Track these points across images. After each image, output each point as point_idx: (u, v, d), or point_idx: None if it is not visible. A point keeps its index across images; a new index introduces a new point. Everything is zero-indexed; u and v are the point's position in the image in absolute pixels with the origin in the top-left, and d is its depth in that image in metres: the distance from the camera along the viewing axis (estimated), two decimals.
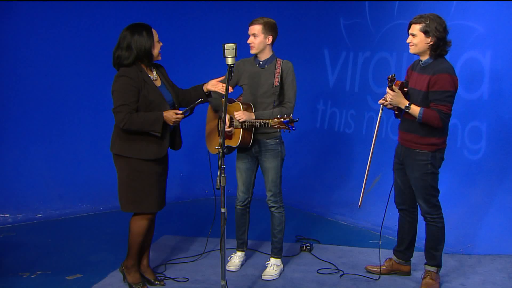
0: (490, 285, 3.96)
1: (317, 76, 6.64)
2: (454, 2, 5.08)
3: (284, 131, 3.79)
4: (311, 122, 6.68)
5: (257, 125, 3.88)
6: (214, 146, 4.13)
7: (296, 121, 3.73)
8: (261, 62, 4.05)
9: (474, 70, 4.96)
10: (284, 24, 7.00)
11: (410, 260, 4.13)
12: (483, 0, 4.86)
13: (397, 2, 5.66)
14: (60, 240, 4.94)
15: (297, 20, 6.71)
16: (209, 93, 3.92)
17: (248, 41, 3.99)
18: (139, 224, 3.75)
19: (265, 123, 3.83)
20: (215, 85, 3.83)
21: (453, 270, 4.20)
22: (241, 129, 3.94)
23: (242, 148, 4.08)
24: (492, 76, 4.85)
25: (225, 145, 4.01)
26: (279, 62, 4.03)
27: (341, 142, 6.35)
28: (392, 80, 3.67)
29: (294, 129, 3.72)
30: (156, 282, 3.93)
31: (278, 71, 4.00)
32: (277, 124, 3.72)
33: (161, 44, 3.73)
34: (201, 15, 6.74)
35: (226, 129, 3.94)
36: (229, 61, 3.44)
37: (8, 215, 5.52)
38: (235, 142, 3.99)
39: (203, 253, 4.50)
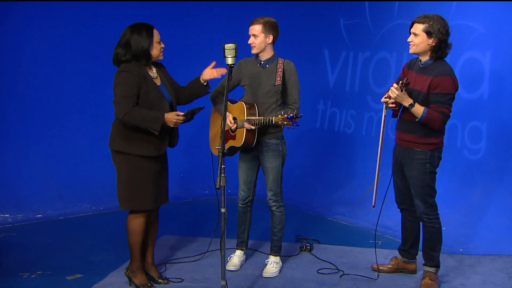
0: (490, 285, 3.96)
1: (317, 76, 6.64)
2: (454, 2, 5.08)
3: (288, 128, 3.78)
4: (311, 122, 6.68)
5: (261, 122, 3.86)
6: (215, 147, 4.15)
7: (300, 116, 3.72)
8: (262, 62, 4.04)
9: (474, 70, 4.96)
10: (284, 24, 7.00)
11: (416, 259, 4.13)
12: (483, 0, 4.86)
13: (397, 2, 5.66)
14: (60, 240, 4.94)
15: (297, 20, 6.71)
16: (207, 83, 3.91)
17: (249, 42, 3.99)
18: (135, 222, 3.75)
19: (268, 120, 3.81)
20: (211, 74, 3.85)
21: (453, 270, 4.20)
22: (245, 129, 3.93)
23: (245, 148, 4.08)
24: (492, 76, 4.85)
25: (230, 145, 4.03)
26: (280, 61, 4.03)
27: (341, 142, 6.35)
28: (406, 85, 3.63)
29: (298, 125, 3.71)
30: (160, 280, 3.93)
31: (279, 70, 3.99)
32: (281, 120, 3.72)
33: (162, 45, 3.72)
34: (201, 15, 6.74)
35: (231, 127, 3.95)
36: (229, 61, 3.44)
37: (8, 215, 5.51)
38: (238, 142, 3.99)
39: (207, 252, 4.51)
